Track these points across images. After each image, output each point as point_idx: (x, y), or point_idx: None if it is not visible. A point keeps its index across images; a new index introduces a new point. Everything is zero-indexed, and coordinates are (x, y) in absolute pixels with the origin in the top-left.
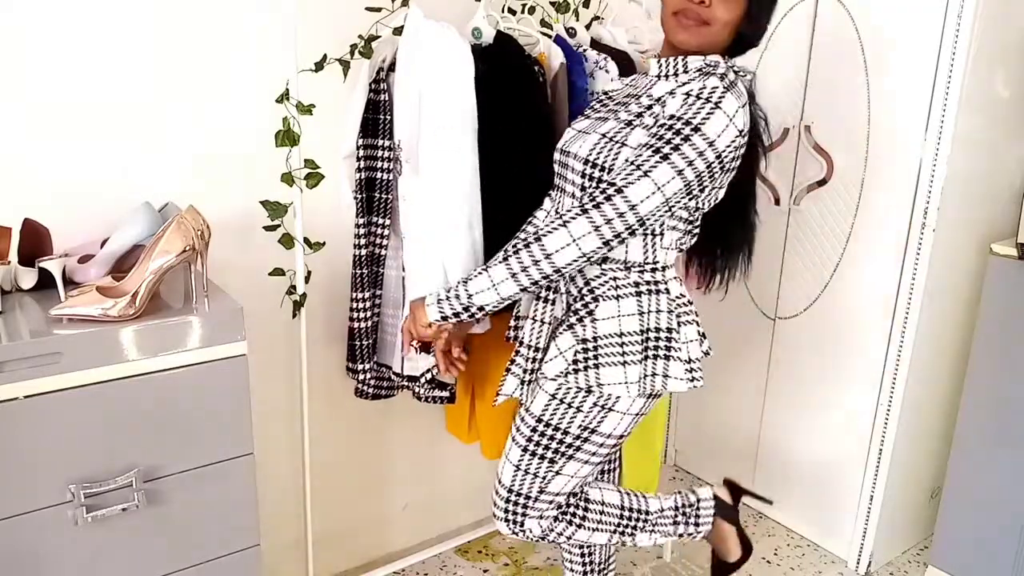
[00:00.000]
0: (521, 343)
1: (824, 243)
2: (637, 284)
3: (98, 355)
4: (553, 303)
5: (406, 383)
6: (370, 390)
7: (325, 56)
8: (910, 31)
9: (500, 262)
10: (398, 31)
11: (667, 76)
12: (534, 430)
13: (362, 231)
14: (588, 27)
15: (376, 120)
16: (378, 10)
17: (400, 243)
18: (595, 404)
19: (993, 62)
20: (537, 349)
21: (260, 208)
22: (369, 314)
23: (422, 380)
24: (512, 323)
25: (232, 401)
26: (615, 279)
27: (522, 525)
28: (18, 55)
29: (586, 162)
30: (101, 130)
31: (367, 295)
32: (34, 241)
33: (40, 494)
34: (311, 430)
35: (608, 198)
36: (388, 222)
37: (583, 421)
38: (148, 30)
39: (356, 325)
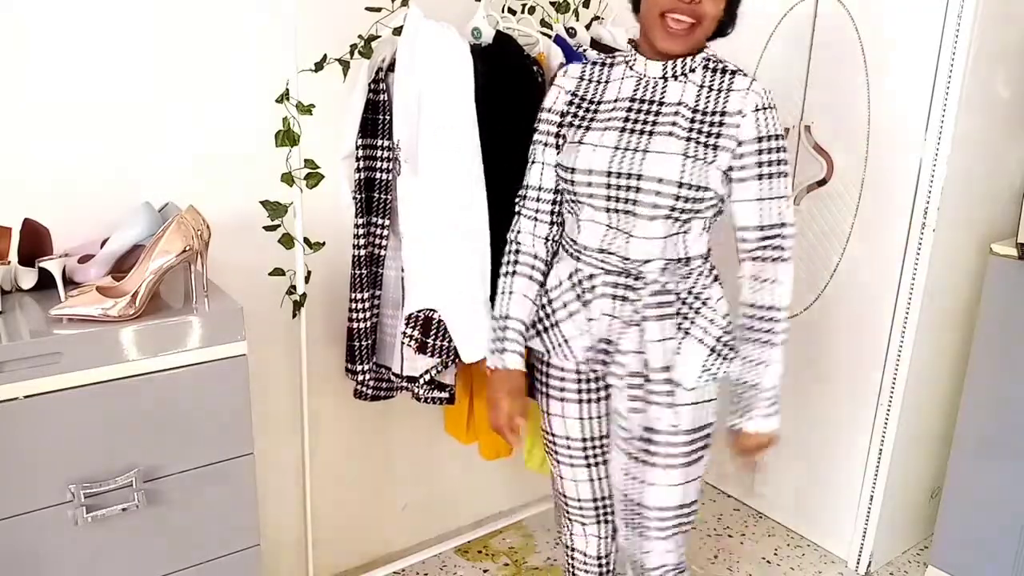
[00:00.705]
0: (621, 377)
1: (824, 243)
2: (712, 269)
3: (98, 355)
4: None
5: (405, 384)
6: (369, 391)
7: (325, 56)
8: (910, 31)
9: (768, 347)
10: (398, 31)
11: (675, 76)
12: (692, 443)
13: (361, 231)
14: (588, 27)
15: (375, 120)
16: (378, 10)
17: (399, 243)
18: (717, 388)
19: (993, 62)
20: (641, 375)
21: (260, 208)
22: (368, 315)
23: (421, 381)
24: (586, 357)
25: (232, 401)
26: (702, 273)
27: (687, 529)
28: (18, 55)
29: (680, 185)
30: (101, 130)
31: (366, 295)
32: (34, 241)
33: (40, 494)
34: (311, 430)
35: (785, 236)
36: (387, 222)
37: (715, 407)
38: (148, 30)
39: (355, 326)
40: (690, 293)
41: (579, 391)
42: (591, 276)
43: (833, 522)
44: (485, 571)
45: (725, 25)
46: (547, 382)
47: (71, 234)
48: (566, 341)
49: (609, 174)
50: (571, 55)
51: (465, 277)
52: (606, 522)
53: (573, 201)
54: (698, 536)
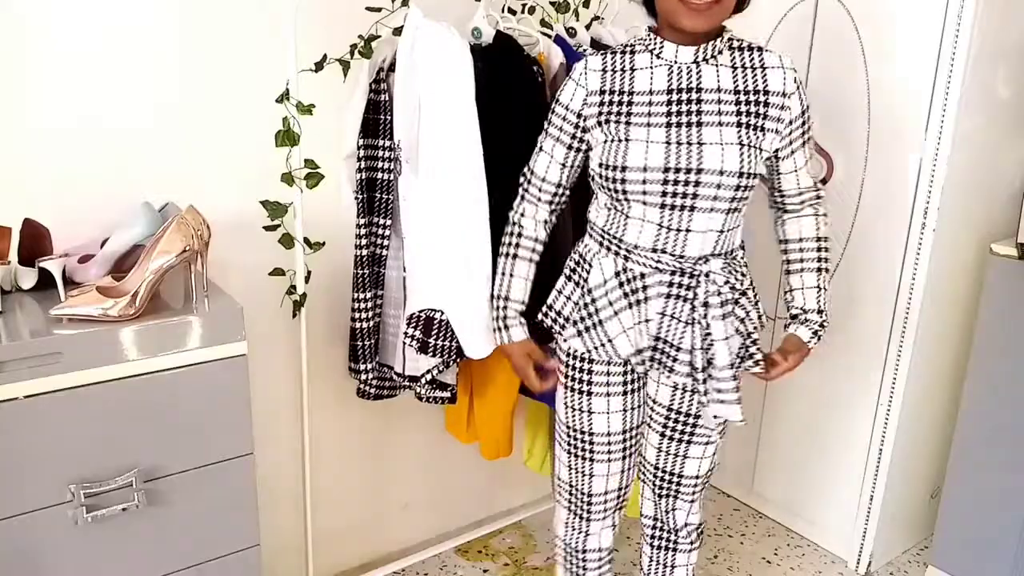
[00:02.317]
0: (682, 374)
1: None
2: (744, 259)
3: (98, 355)
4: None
5: (407, 383)
6: (372, 390)
7: (325, 56)
8: (910, 31)
9: (823, 274)
10: (398, 31)
11: (706, 60)
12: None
13: (363, 231)
14: (588, 27)
15: (377, 120)
16: (378, 10)
17: (401, 243)
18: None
19: (993, 62)
20: (702, 371)
21: (260, 208)
22: (370, 314)
23: (423, 380)
24: (638, 358)
25: (232, 401)
26: (743, 264)
27: (700, 500)
28: (18, 55)
29: (741, 175)
30: (101, 130)
31: (368, 295)
32: (34, 241)
33: (40, 494)
34: (311, 430)
35: (819, 187)
36: (389, 222)
37: None
38: (148, 30)
39: (357, 325)
40: (739, 285)
41: (625, 383)
42: (642, 275)
43: (833, 522)
44: (485, 571)
45: (740, 5)
46: (590, 379)
47: (71, 234)
48: (610, 341)
49: (667, 170)
50: (571, 55)
51: (466, 277)
52: (620, 509)
53: (620, 199)
54: None
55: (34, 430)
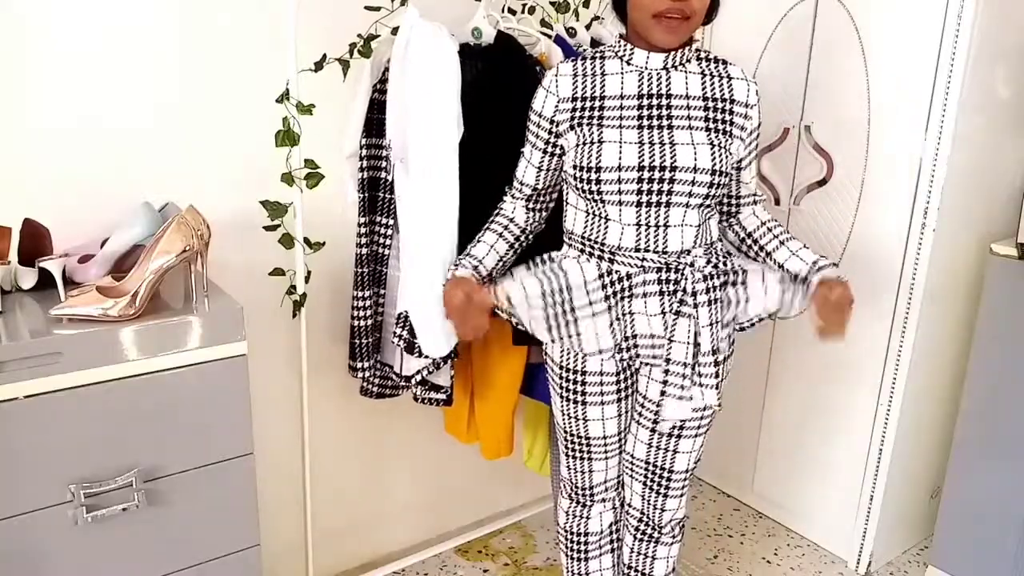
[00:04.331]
0: (669, 360)
1: (824, 243)
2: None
3: (98, 355)
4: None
5: (403, 383)
6: (374, 388)
7: (325, 56)
8: (910, 31)
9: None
10: (396, 31)
11: (675, 67)
12: (714, 416)
13: (364, 230)
14: (588, 27)
15: (380, 120)
16: (377, 9)
17: None
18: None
19: (993, 62)
20: (691, 362)
21: (260, 208)
22: (370, 312)
23: (414, 381)
24: (624, 353)
25: (232, 401)
26: (729, 253)
27: (686, 495)
28: (19, 55)
29: (714, 172)
30: (101, 130)
31: (368, 294)
32: (34, 241)
33: (40, 494)
34: (311, 430)
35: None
36: (392, 221)
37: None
38: (148, 31)
39: (356, 323)
40: (728, 273)
41: (618, 390)
42: (628, 275)
43: (833, 522)
44: (485, 571)
45: (711, 12)
46: (583, 389)
47: (71, 234)
48: (578, 335)
49: (642, 168)
50: (571, 55)
51: (428, 277)
52: (620, 488)
53: (595, 200)
54: (698, 536)
55: (34, 430)
